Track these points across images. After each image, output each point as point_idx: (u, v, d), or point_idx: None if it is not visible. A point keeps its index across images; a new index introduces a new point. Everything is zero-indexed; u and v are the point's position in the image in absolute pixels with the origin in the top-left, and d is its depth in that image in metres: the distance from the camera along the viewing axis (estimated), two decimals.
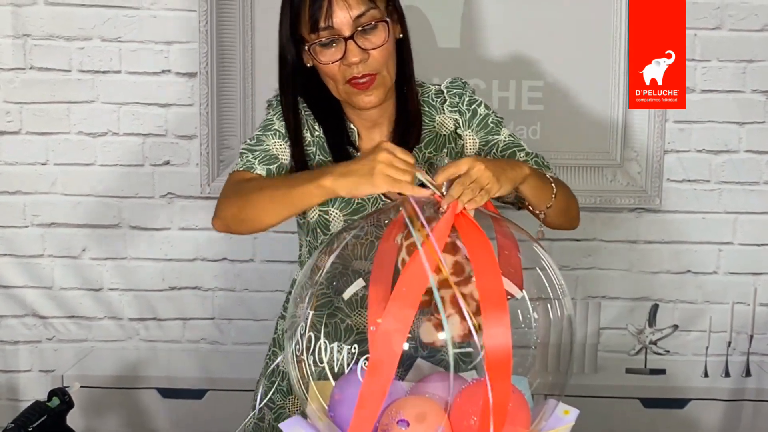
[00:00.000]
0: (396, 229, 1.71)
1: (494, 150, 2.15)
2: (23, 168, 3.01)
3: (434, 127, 2.15)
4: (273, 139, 2.09)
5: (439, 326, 1.65)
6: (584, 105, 2.92)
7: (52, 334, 3.10)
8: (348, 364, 1.61)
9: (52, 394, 2.12)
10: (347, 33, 1.93)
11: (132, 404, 3.12)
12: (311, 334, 1.66)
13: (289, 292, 2.26)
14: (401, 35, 2.06)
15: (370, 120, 2.12)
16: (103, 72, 2.95)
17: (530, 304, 1.65)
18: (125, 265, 3.05)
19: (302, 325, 1.69)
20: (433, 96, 2.18)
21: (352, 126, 2.12)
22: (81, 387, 2.38)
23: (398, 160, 1.72)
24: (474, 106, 2.17)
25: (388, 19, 1.98)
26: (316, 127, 2.12)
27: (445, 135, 2.16)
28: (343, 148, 2.11)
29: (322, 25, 1.93)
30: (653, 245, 3.02)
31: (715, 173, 2.98)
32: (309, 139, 2.12)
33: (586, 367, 3.08)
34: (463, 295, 1.67)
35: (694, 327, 3.07)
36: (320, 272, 1.83)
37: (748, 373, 3.10)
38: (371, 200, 2.10)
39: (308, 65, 2.03)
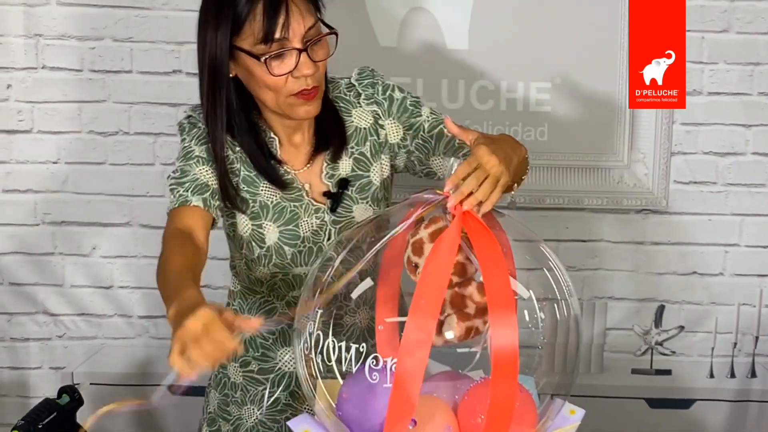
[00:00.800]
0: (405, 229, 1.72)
1: (421, 132, 2.12)
2: (34, 167, 3.02)
3: (353, 122, 2.13)
4: (197, 166, 2.03)
5: (438, 326, 1.67)
6: (591, 106, 2.93)
7: (63, 332, 3.12)
8: (356, 363, 1.62)
9: (62, 391, 2.13)
10: (299, 45, 1.91)
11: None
12: (319, 332, 1.67)
13: (228, 303, 2.27)
14: None
15: (292, 126, 2.08)
16: (115, 72, 2.96)
17: (537, 304, 1.66)
18: (135, 263, 3.06)
19: (311, 324, 1.70)
20: (345, 90, 2.15)
21: (272, 135, 2.08)
22: (91, 384, 2.39)
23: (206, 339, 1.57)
24: (389, 92, 2.15)
25: (335, 31, 1.97)
26: (236, 143, 2.06)
27: (365, 128, 2.13)
28: (266, 162, 2.06)
29: (277, 35, 1.89)
30: (659, 246, 3.03)
31: (722, 175, 2.98)
32: (232, 156, 2.07)
33: (592, 367, 3.08)
34: (463, 297, 1.69)
35: (700, 328, 3.08)
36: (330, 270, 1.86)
37: (753, 374, 3.10)
38: (303, 207, 2.09)
39: (231, 76, 1.97)
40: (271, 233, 2.09)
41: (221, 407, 2.27)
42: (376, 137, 2.14)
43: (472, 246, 1.62)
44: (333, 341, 1.63)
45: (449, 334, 1.68)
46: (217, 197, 2.03)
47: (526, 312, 1.59)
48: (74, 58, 2.96)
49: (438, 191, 1.72)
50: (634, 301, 3.07)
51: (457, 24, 2.90)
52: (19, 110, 2.99)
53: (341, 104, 2.14)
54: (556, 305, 1.71)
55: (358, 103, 2.14)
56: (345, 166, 2.11)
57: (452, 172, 1.70)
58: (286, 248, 2.09)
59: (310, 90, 1.95)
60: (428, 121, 2.13)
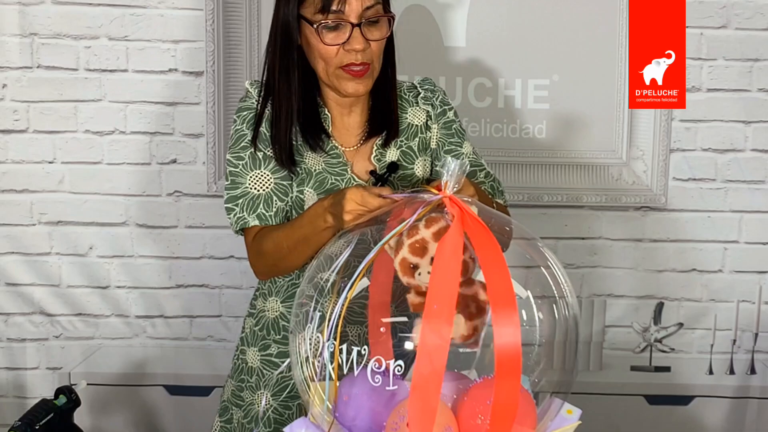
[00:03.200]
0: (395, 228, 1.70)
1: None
2: (30, 166, 3.01)
3: (406, 118, 2.19)
4: (248, 171, 2.13)
5: None
6: (590, 103, 2.92)
7: (60, 332, 3.11)
8: (357, 366, 1.61)
9: (59, 392, 2.13)
10: (355, 20, 1.98)
11: (139, 401, 3.13)
12: (318, 335, 1.66)
13: (257, 288, 2.28)
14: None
15: (348, 105, 2.16)
16: (110, 71, 2.96)
17: (534, 303, 1.65)
18: (132, 263, 3.06)
19: (309, 327, 1.69)
20: (406, 90, 2.23)
21: (327, 112, 2.15)
22: (88, 384, 2.38)
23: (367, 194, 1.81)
24: (445, 107, 2.23)
25: (393, 15, 2.05)
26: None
27: (417, 125, 2.20)
28: (318, 136, 2.13)
29: (333, 8, 1.97)
30: (659, 243, 3.02)
31: (721, 172, 2.98)
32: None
33: (591, 364, 3.08)
34: (465, 296, 1.67)
35: (700, 325, 3.08)
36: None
37: (753, 371, 3.10)
38: (345, 181, 2.13)
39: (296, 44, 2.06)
40: (311, 200, 2.12)
41: (235, 393, 2.27)
42: (425, 135, 2.21)
43: (473, 245, 1.61)
44: (333, 343, 1.62)
45: (454, 334, 1.66)
46: (271, 200, 2.12)
47: (523, 311, 1.57)
48: (70, 57, 2.95)
49: (433, 190, 1.71)
50: (633, 298, 3.06)
51: (455, 21, 2.90)
52: (14, 110, 2.98)
53: (399, 102, 2.20)
54: (554, 304, 1.70)
55: (416, 102, 2.22)
56: (392, 156, 2.17)
57: (449, 169, 1.68)
58: None
59: (359, 66, 2.03)
60: (469, 156, 2.21)
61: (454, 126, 2.22)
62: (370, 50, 2.03)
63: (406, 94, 2.22)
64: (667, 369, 3.10)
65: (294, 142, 2.13)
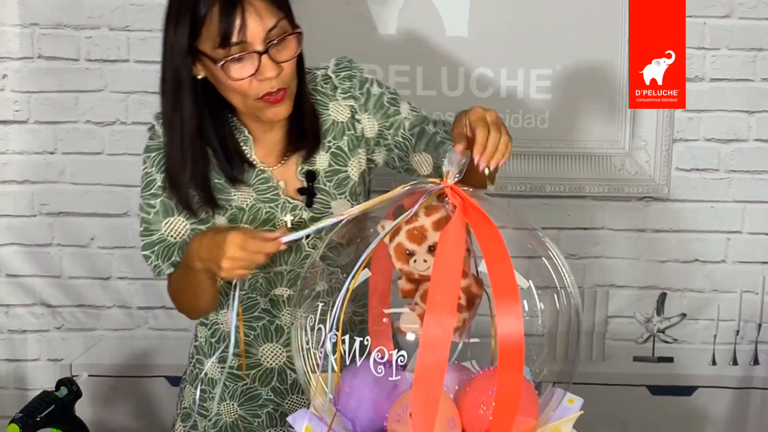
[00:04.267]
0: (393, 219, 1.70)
1: (401, 129, 2.08)
2: (31, 157, 3.01)
3: (330, 115, 2.08)
4: (161, 219, 2.04)
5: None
6: (592, 93, 2.91)
7: (61, 323, 3.11)
8: (360, 356, 1.60)
9: (60, 383, 2.12)
10: (261, 47, 1.84)
11: (141, 393, 3.13)
12: (320, 325, 1.66)
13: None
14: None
15: (267, 124, 2.02)
16: (111, 61, 2.94)
17: (536, 293, 1.64)
18: (133, 254, 3.04)
19: (311, 317, 1.69)
20: (322, 83, 2.09)
21: (246, 134, 2.04)
22: (89, 376, 2.38)
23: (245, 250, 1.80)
24: (366, 86, 2.10)
25: (300, 30, 1.90)
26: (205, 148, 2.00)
27: (342, 122, 2.09)
28: (240, 170, 2.03)
29: (234, 39, 1.81)
30: (661, 234, 3.01)
31: (724, 162, 2.96)
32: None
33: (593, 355, 3.08)
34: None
35: (702, 316, 3.07)
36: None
37: (756, 362, 3.09)
38: (280, 206, 2.05)
39: (198, 77, 1.91)
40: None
41: (198, 403, 2.22)
42: (353, 131, 2.10)
43: (475, 235, 1.60)
44: (335, 334, 1.61)
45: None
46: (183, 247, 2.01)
47: (525, 302, 1.57)
48: (70, 47, 2.94)
49: (434, 181, 1.71)
50: (635, 288, 3.05)
51: (457, 11, 2.88)
52: (15, 100, 2.98)
53: (318, 97, 2.09)
54: (555, 294, 1.70)
55: (335, 96, 2.09)
56: (322, 161, 2.07)
57: (449, 160, 1.68)
58: None
59: (276, 93, 1.90)
60: (408, 118, 2.10)
61: (383, 99, 2.10)
62: (284, 73, 1.88)
63: (323, 87, 2.09)
64: (669, 359, 3.09)
65: (215, 180, 2.02)
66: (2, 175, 3.03)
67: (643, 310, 3.06)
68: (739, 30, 2.88)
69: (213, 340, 2.22)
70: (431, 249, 1.64)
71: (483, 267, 1.62)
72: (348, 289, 1.62)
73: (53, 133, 3.00)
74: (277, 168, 2.07)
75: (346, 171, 2.09)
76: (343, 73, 2.10)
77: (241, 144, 2.04)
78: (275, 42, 1.85)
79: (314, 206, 2.06)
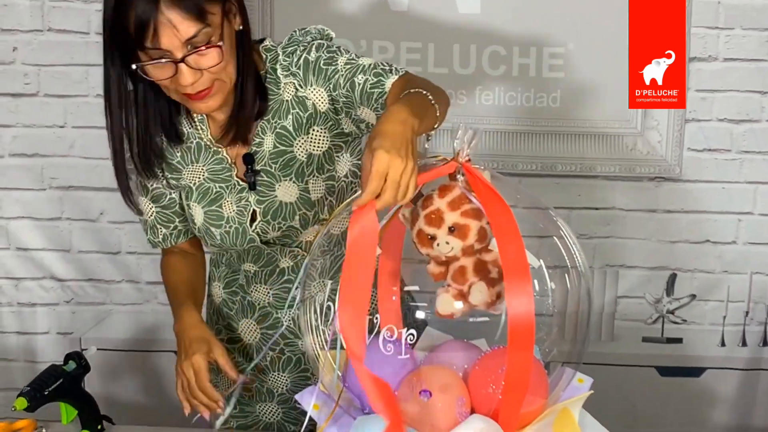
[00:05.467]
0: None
1: (339, 88, 1.94)
2: (41, 131, 3.01)
3: (280, 94, 1.99)
4: (139, 195, 2.13)
5: (459, 296, 1.64)
6: (605, 72, 2.89)
7: (70, 297, 3.12)
8: (369, 334, 1.59)
9: (69, 357, 2.11)
10: (178, 55, 1.78)
11: (149, 367, 3.13)
12: (329, 303, 1.65)
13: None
14: (241, 27, 1.90)
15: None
16: None
17: (547, 272, 1.63)
18: (141, 228, 3.04)
19: (320, 295, 1.68)
20: (272, 61, 2.00)
21: (201, 115, 2.03)
22: (98, 350, 2.38)
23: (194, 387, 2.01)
24: (304, 56, 1.97)
25: (221, 44, 1.81)
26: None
27: (287, 100, 1.99)
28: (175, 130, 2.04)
29: (147, 44, 1.77)
30: (672, 214, 3.00)
31: (737, 142, 2.95)
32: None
33: (602, 335, 3.07)
34: (486, 263, 1.66)
35: (712, 297, 3.06)
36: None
37: (765, 343, 3.09)
38: (229, 187, 2.05)
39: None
40: (198, 214, 2.08)
41: None
42: (299, 110, 1.99)
43: (486, 213, 1.60)
44: None
45: (478, 300, 1.64)
46: (156, 228, 2.18)
47: (536, 281, 1.56)
48: (81, 20, 2.93)
49: (444, 159, 1.69)
50: (645, 269, 3.04)
51: None
52: (25, 73, 2.97)
53: (273, 75, 2.01)
54: (566, 274, 1.69)
55: (279, 75, 2.00)
56: (268, 143, 2.01)
57: (461, 135, 1.66)
58: (213, 229, 2.07)
59: (198, 93, 1.86)
60: (343, 74, 1.94)
61: (319, 63, 1.96)
62: (206, 77, 1.83)
63: (273, 67, 2.00)
64: (679, 340, 3.08)
65: (168, 159, 2.06)
66: (12, 149, 3.02)
67: (653, 290, 3.05)
68: (753, 10, 2.86)
69: (210, 311, 2.31)
70: (451, 230, 1.62)
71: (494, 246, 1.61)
72: None
73: (63, 107, 2.99)
74: (232, 149, 2.04)
75: (292, 151, 2.01)
76: (289, 49, 2.00)
77: (197, 124, 2.03)
78: (196, 50, 1.80)
79: (258, 188, 2.02)
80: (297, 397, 1.77)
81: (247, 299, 2.17)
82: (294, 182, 2.01)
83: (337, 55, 1.95)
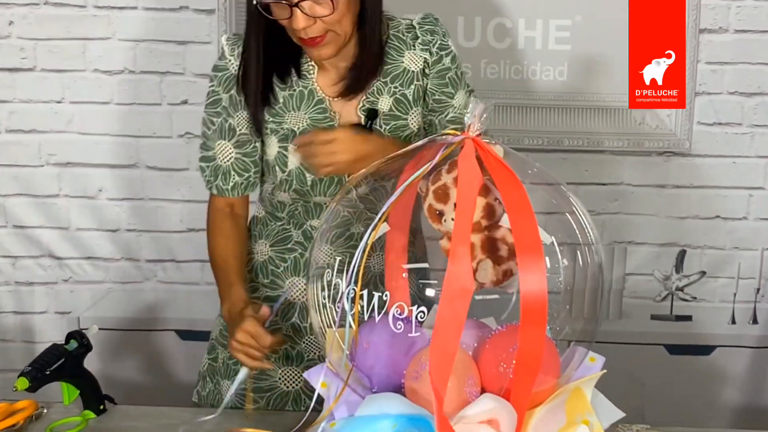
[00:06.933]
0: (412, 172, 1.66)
1: (440, 115, 2.13)
2: (38, 106, 2.97)
3: (402, 62, 2.11)
4: (216, 138, 2.15)
5: None
6: (613, 45, 2.85)
7: (69, 275, 3.09)
8: (378, 312, 1.57)
9: (70, 336, 2.09)
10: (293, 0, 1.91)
11: (150, 346, 3.12)
12: (338, 280, 1.62)
13: (249, 230, 2.29)
14: None
15: (327, 61, 2.09)
16: (120, 8, 2.90)
17: (558, 249, 1.61)
18: (142, 205, 3.02)
19: (329, 272, 1.66)
20: (404, 30, 2.13)
21: (312, 63, 2.11)
22: (99, 329, 2.35)
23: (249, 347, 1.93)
24: (442, 53, 2.13)
25: None
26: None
27: (414, 72, 2.12)
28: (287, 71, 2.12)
29: None
30: (682, 190, 2.97)
31: (747, 116, 2.92)
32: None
33: (611, 313, 3.05)
34: (494, 240, 1.64)
35: (722, 273, 3.03)
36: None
37: None
38: None
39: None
40: (294, 157, 2.10)
41: (222, 333, 2.28)
42: (420, 83, 2.12)
43: (497, 188, 1.57)
44: (353, 289, 1.58)
45: (485, 278, 1.64)
46: (229, 175, 2.17)
47: (547, 258, 1.53)
48: None
49: (454, 132, 1.67)
50: (654, 245, 3.02)
51: None
52: (21, 47, 2.94)
53: (396, 43, 2.11)
54: (578, 250, 1.67)
55: (414, 45, 2.12)
56: (384, 104, 2.10)
57: (472, 109, 1.63)
58: (307, 174, 2.10)
59: (311, 39, 1.96)
60: (453, 113, 2.13)
61: (448, 75, 2.13)
62: (318, 25, 1.94)
63: (404, 36, 2.12)
64: (688, 318, 3.06)
65: (272, 100, 2.12)
66: (9, 124, 3.00)
67: (662, 267, 3.03)
68: None
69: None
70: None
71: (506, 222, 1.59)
72: (367, 244, 1.58)
73: (60, 82, 2.96)
74: (338, 101, 2.11)
75: (406, 120, 2.11)
76: (427, 26, 2.13)
77: (308, 71, 2.11)
78: None
79: None
80: (306, 374, 1.77)
81: (305, 257, 2.18)
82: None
83: (461, 83, 2.15)
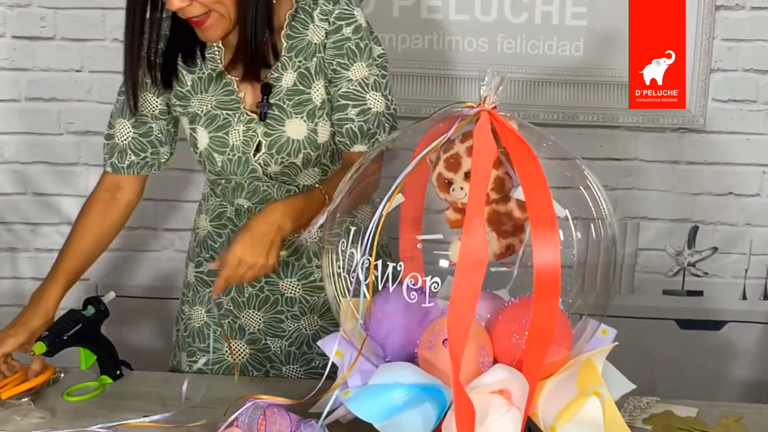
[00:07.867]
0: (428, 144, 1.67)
1: (334, 87, 2.09)
2: (58, 74, 2.99)
3: (306, 35, 2.07)
4: (118, 116, 2.22)
5: None
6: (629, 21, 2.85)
7: None
8: (393, 282, 1.58)
9: (87, 302, 2.12)
10: None
11: (165, 315, 3.12)
12: (353, 250, 1.63)
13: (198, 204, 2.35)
14: None
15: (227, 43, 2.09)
16: None
17: (572, 222, 1.61)
18: (160, 175, 3.01)
19: (343, 242, 1.66)
20: (311, 3, 2.07)
21: (219, 44, 2.09)
22: (117, 296, 2.37)
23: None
24: (343, 23, 2.07)
25: None
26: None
27: (316, 44, 2.07)
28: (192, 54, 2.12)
29: None
30: (695, 166, 2.97)
31: (762, 93, 2.91)
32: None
33: (623, 287, 3.06)
34: (500, 213, 1.64)
35: (734, 249, 3.04)
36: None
37: None
38: (237, 116, 2.11)
39: None
40: (203, 138, 2.13)
41: (180, 308, 2.35)
42: (323, 54, 2.08)
43: (512, 162, 1.57)
44: (368, 259, 1.59)
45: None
46: (125, 153, 2.21)
47: (561, 231, 1.54)
48: None
49: (470, 105, 1.66)
50: (667, 221, 3.02)
51: None
52: (41, 16, 2.95)
53: (302, 15, 2.07)
54: (592, 224, 1.67)
55: (313, 17, 2.07)
56: (288, 79, 2.08)
57: (488, 81, 1.63)
58: (216, 155, 2.12)
59: (196, 20, 1.95)
60: (347, 86, 2.08)
61: (346, 45, 2.07)
62: (196, 6, 1.92)
63: (310, 8, 2.07)
64: (699, 293, 3.07)
65: (176, 88, 2.14)
66: (29, 93, 3.01)
67: (675, 243, 3.04)
68: None
69: (194, 244, 2.37)
70: (467, 175, 1.60)
71: (520, 194, 1.59)
72: (382, 215, 1.59)
73: (80, 51, 2.97)
74: (243, 83, 2.09)
75: (309, 94, 2.08)
76: None
77: (216, 53, 2.10)
78: None
79: (268, 121, 2.08)
80: (319, 343, 1.78)
81: (235, 233, 2.16)
82: (304, 121, 2.08)
83: (361, 54, 2.07)
